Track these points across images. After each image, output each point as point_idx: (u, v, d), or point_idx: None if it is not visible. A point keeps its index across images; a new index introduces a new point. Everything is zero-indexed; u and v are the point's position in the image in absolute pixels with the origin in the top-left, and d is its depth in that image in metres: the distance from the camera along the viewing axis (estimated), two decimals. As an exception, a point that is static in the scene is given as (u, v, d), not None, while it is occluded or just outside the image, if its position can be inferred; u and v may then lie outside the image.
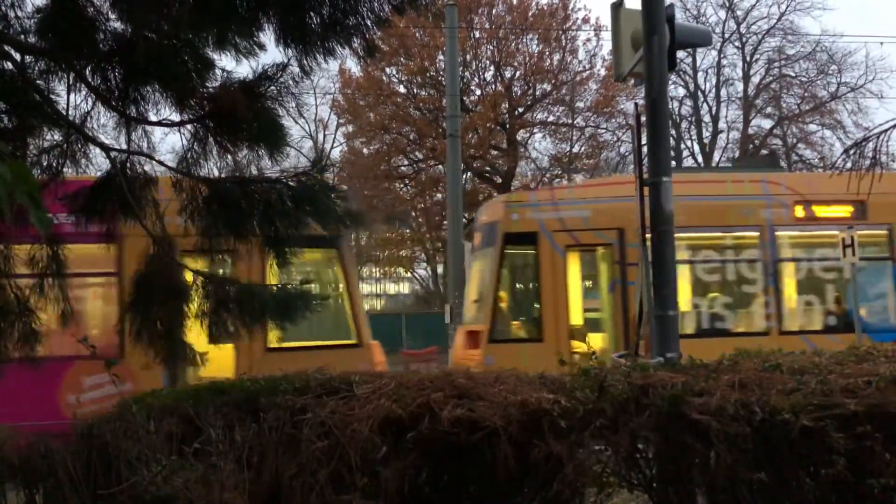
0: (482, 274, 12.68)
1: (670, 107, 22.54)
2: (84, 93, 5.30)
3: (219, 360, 9.21)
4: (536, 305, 12.13)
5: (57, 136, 5.56)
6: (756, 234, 12.35)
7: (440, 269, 35.81)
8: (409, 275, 44.89)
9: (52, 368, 7.99)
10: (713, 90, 33.75)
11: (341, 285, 11.14)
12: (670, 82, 13.32)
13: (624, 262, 11.67)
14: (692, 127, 33.96)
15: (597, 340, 12.17)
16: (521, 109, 31.22)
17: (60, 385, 8.84)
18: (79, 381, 8.34)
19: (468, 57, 29.67)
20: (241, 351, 9.51)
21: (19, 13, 5.14)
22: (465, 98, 28.23)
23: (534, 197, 14.01)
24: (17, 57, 5.14)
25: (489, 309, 11.95)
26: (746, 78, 33.04)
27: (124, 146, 5.45)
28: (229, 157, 5.48)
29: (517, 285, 13.31)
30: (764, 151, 33.71)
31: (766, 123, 33.87)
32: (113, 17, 5.17)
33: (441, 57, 27.24)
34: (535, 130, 32.69)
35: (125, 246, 8.04)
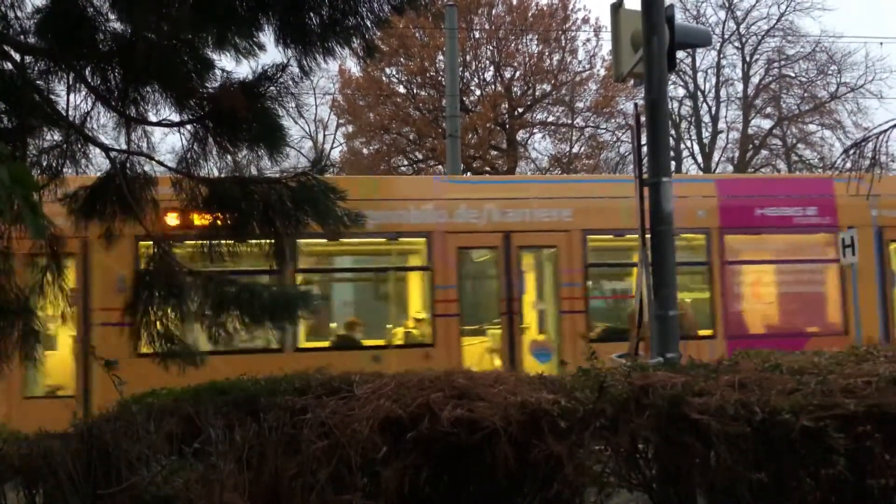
0: None
1: (670, 107, 22.54)
2: (84, 93, 5.29)
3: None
4: None
5: (57, 137, 5.56)
6: None
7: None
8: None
9: (795, 342, 9.34)
10: (713, 90, 33.70)
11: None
12: (670, 82, 13.30)
13: None
14: (692, 127, 33.89)
15: None
16: (520, 109, 31.15)
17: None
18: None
19: (468, 57, 29.61)
20: None
21: (19, 13, 5.13)
22: (464, 98, 28.19)
23: None
24: (17, 57, 5.13)
25: None
26: (746, 78, 32.98)
27: (124, 146, 5.44)
28: (229, 157, 5.48)
29: None
30: (764, 152, 33.72)
31: (766, 124, 33.78)
32: (113, 17, 5.16)
33: (441, 57, 27.17)
34: (535, 130, 32.59)
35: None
